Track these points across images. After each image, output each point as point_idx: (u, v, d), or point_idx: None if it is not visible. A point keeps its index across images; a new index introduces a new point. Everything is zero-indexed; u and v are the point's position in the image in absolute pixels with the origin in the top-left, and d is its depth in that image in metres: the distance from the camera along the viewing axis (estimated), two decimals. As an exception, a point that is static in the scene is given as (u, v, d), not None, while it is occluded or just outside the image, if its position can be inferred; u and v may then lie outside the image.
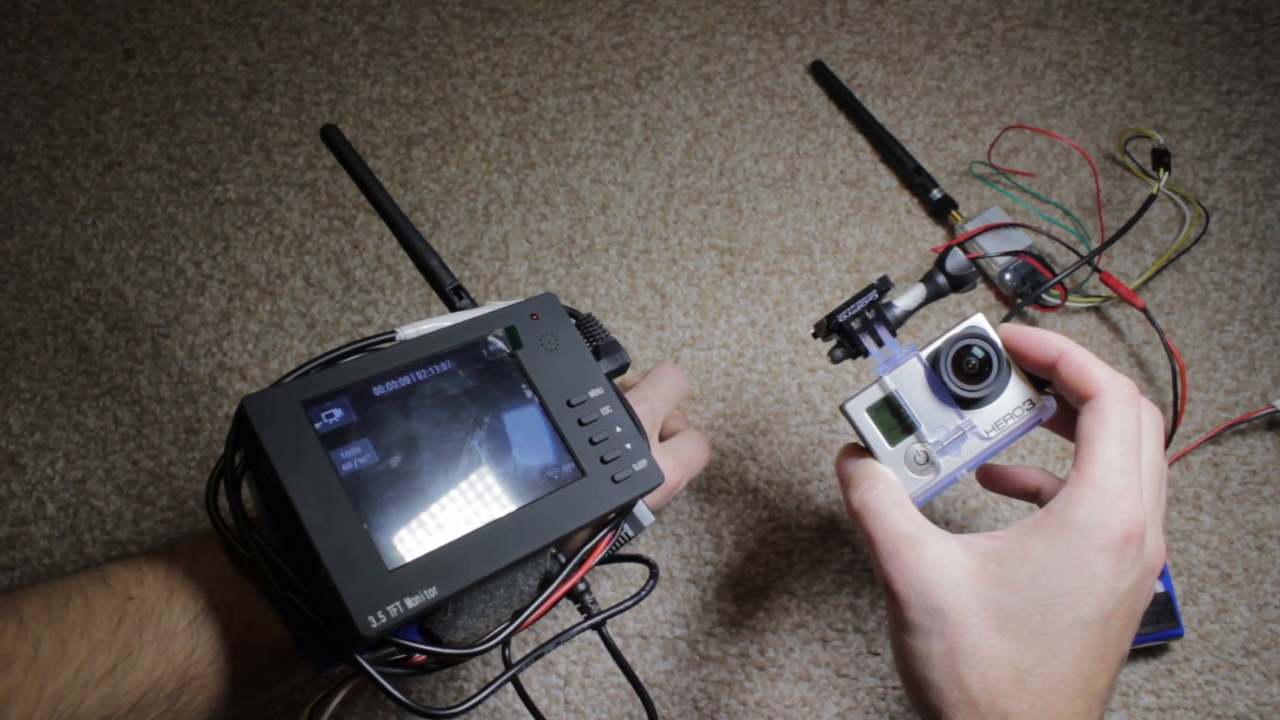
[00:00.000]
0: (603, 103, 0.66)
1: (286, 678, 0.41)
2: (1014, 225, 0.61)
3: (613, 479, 0.41)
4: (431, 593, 0.35)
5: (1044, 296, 0.60)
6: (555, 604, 0.41)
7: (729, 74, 0.67)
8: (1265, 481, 0.57)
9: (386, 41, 0.68)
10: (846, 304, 0.44)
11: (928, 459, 0.43)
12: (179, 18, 0.69)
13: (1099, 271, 0.60)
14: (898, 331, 0.45)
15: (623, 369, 0.45)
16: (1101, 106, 0.66)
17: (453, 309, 0.45)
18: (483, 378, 0.41)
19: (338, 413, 0.38)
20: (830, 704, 0.54)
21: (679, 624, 0.55)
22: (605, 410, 0.42)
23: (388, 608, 0.34)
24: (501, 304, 0.44)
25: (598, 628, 0.42)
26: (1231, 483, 0.58)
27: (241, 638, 0.38)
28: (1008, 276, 0.60)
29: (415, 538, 0.36)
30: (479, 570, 0.37)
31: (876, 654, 0.54)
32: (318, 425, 0.37)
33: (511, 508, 0.39)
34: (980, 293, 0.62)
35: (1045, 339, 0.42)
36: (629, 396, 0.46)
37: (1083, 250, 0.60)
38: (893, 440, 0.43)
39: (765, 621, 0.55)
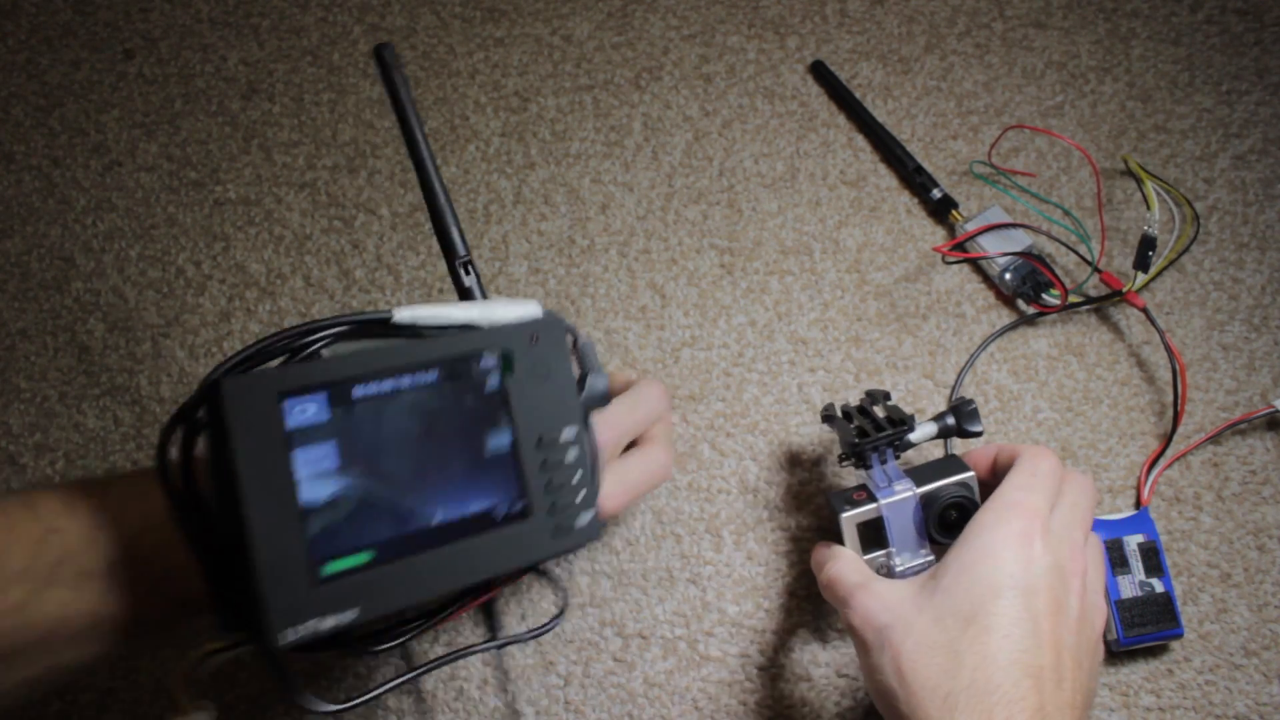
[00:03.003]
0: (603, 103, 0.66)
1: (190, 623, 0.41)
2: (1014, 225, 0.61)
3: (554, 529, 0.41)
4: (351, 615, 0.35)
5: (1044, 297, 0.60)
6: (463, 614, 0.42)
7: (729, 74, 0.67)
8: (1265, 481, 0.57)
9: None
10: (875, 440, 0.50)
11: (888, 572, 0.49)
12: (179, 18, 0.69)
13: (1099, 272, 0.60)
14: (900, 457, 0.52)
15: (603, 403, 0.45)
16: (1101, 106, 0.66)
17: (460, 286, 0.44)
18: (465, 398, 0.40)
19: (311, 409, 0.36)
20: (830, 704, 0.54)
21: (679, 624, 0.55)
22: (571, 454, 0.42)
23: (305, 624, 0.34)
24: (507, 303, 0.43)
25: (499, 648, 0.43)
26: (1231, 483, 0.58)
27: (157, 586, 0.38)
28: (1008, 276, 0.60)
29: (351, 555, 0.36)
30: (403, 599, 0.37)
31: (876, 654, 0.54)
32: (288, 420, 0.36)
33: (452, 541, 0.38)
34: (980, 293, 0.62)
35: (984, 449, 0.51)
36: (603, 415, 0.46)
37: (1083, 250, 0.60)
38: (865, 550, 0.50)
39: (765, 621, 0.55)
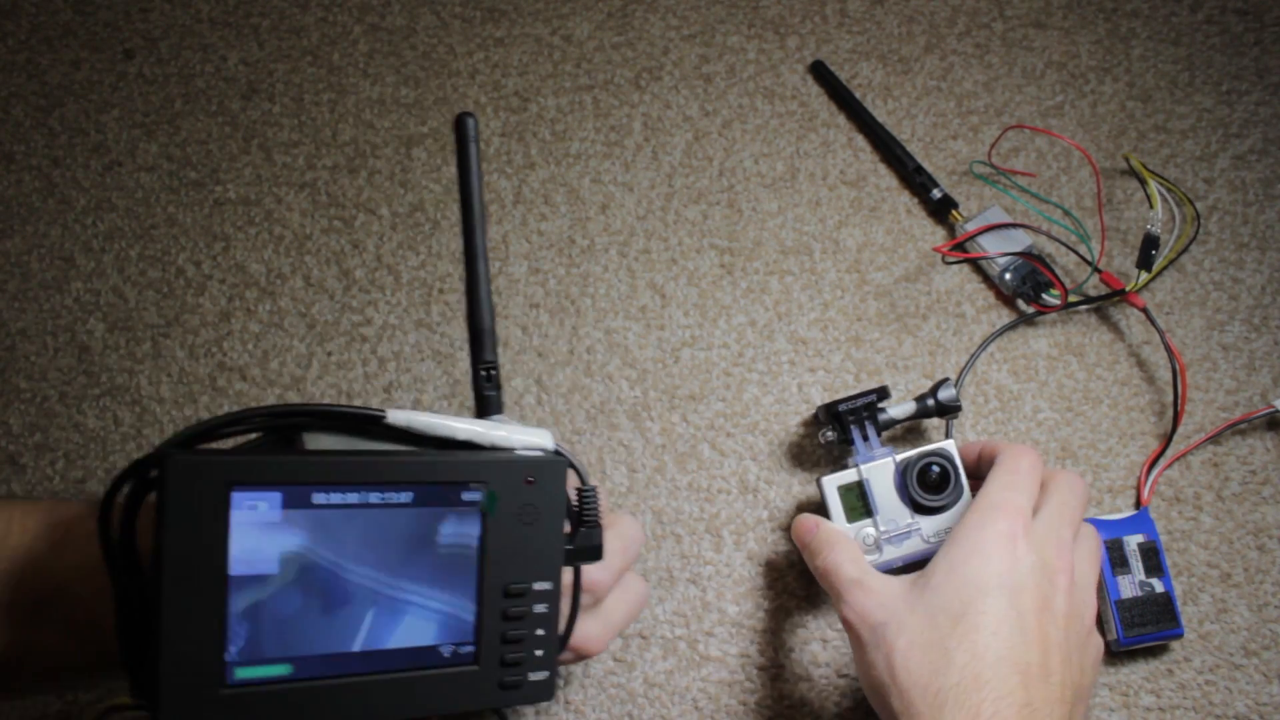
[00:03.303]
0: (603, 103, 0.66)
1: (107, 678, 0.40)
2: (1014, 225, 0.61)
3: (501, 683, 0.38)
4: None
5: (1044, 297, 0.60)
6: None
7: (729, 74, 0.67)
8: (1265, 481, 0.57)
9: (386, 41, 0.68)
10: (849, 398, 0.53)
11: (875, 543, 0.52)
12: (179, 18, 0.69)
13: (1099, 271, 0.60)
14: (883, 434, 0.54)
15: (593, 560, 0.42)
16: (1101, 106, 0.66)
17: (478, 394, 0.42)
18: (436, 529, 0.37)
19: (262, 506, 0.34)
20: (830, 704, 0.54)
21: (679, 624, 0.55)
22: (538, 609, 0.39)
23: None
24: (517, 430, 0.39)
25: None
26: (1231, 483, 0.58)
27: (76, 636, 0.36)
28: (1008, 276, 0.60)
29: (268, 665, 0.34)
30: None
31: (876, 654, 0.54)
32: (234, 514, 0.33)
33: (382, 668, 0.36)
34: (980, 293, 0.62)
35: (972, 444, 0.53)
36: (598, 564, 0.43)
37: (1083, 250, 0.60)
38: (851, 519, 0.52)
39: (765, 621, 0.55)
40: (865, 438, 0.54)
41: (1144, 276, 0.59)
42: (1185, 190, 0.63)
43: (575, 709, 0.54)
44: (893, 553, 0.52)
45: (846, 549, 0.49)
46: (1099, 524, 0.55)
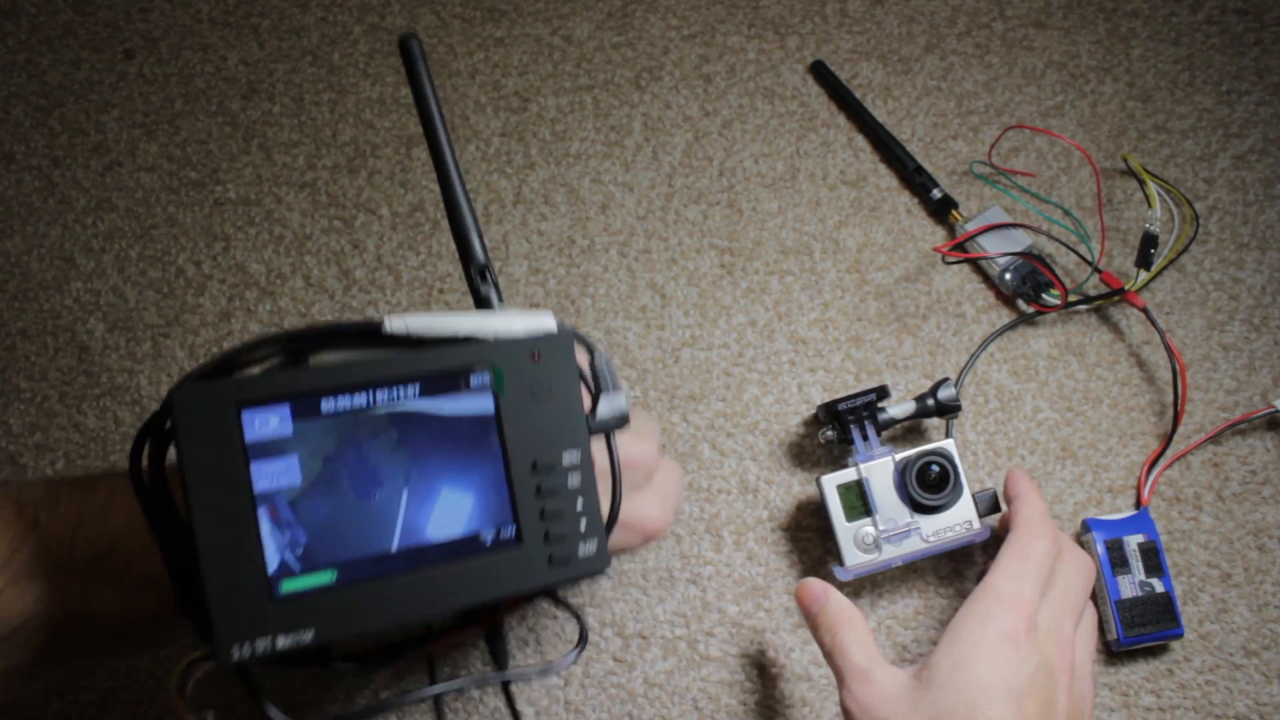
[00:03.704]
0: (603, 103, 0.66)
1: (175, 636, 0.40)
2: (1014, 225, 0.61)
3: (550, 558, 0.38)
4: (308, 636, 0.34)
5: (1044, 297, 0.60)
6: (461, 642, 0.39)
7: (729, 74, 0.67)
8: (1265, 481, 0.57)
9: (386, 41, 0.68)
10: (849, 397, 0.54)
11: (874, 542, 0.52)
12: (179, 18, 0.69)
13: (1099, 271, 0.60)
14: (883, 433, 0.55)
15: (619, 424, 0.41)
16: (1101, 106, 0.66)
17: (476, 294, 0.42)
18: (450, 417, 0.37)
19: (273, 421, 0.34)
20: (830, 704, 0.54)
21: (679, 624, 0.55)
22: (572, 481, 0.38)
23: (256, 642, 0.33)
24: (517, 315, 0.40)
25: (505, 685, 0.41)
26: (1231, 483, 0.58)
27: (134, 590, 0.37)
28: (1008, 276, 0.60)
29: (312, 574, 0.34)
30: (368, 624, 0.35)
31: (876, 654, 0.54)
32: (247, 433, 0.34)
33: (427, 563, 0.36)
34: (980, 293, 0.62)
35: (1014, 481, 0.52)
36: (634, 434, 0.43)
37: (1083, 250, 0.60)
38: (850, 518, 0.52)
39: (765, 621, 0.55)
40: (865, 437, 0.54)
41: (1144, 276, 0.59)
42: (1185, 190, 0.63)
43: (575, 709, 0.54)
44: (892, 552, 0.52)
45: (856, 630, 0.47)
46: (1099, 524, 0.55)
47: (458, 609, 0.36)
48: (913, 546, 0.52)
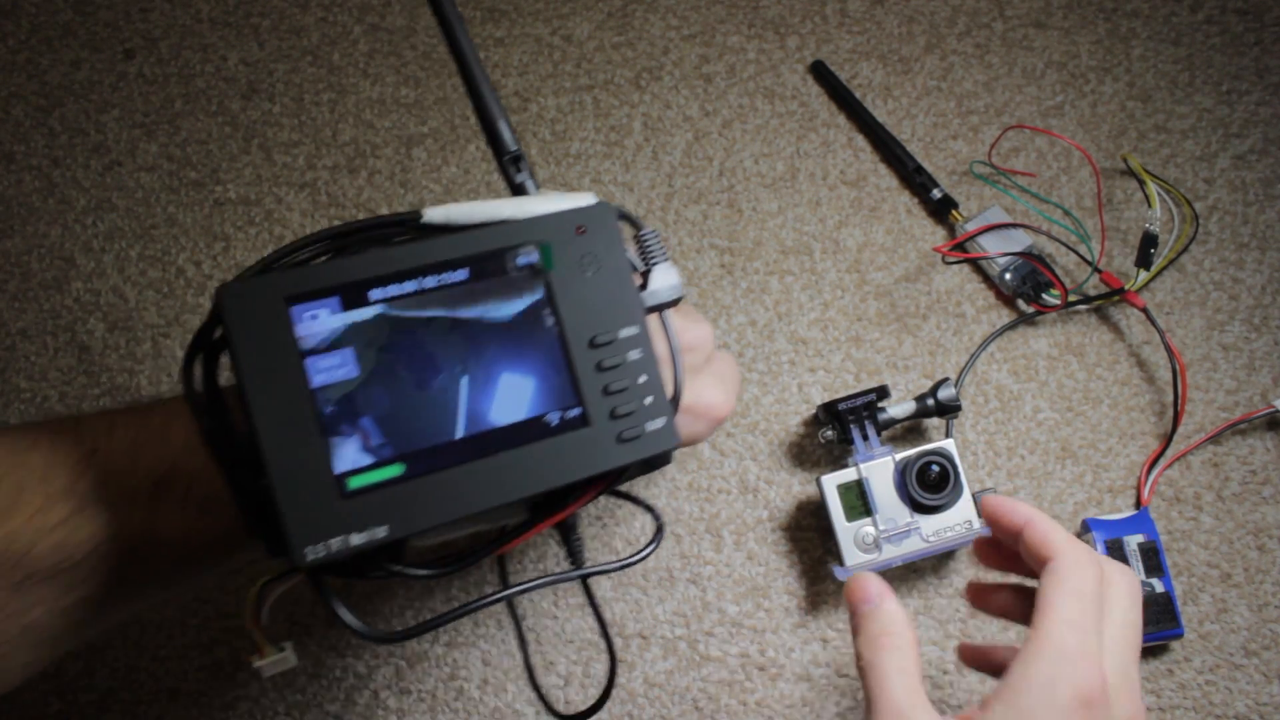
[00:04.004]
0: (603, 103, 0.66)
1: (241, 556, 0.39)
2: (1014, 225, 0.61)
3: (619, 436, 0.36)
4: (381, 531, 0.33)
5: (1044, 297, 0.60)
6: (537, 534, 0.38)
7: (729, 74, 0.67)
8: (1265, 481, 0.57)
9: (386, 41, 0.68)
10: (849, 397, 0.54)
11: (874, 542, 0.52)
12: (179, 18, 0.69)
13: (1099, 271, 0.60)
14: (883, 433, 0.55)
15: (673, 302, 0.40)
16: (1101, 106, 0.66)
17: (511, 183, 0.40)
18: (501, 296, 0.36)
19: (323, 314, 0.34)
20: (830, 704, 0.54)
21: (679, 624, 0.55)
22: (632, 355, 0.37)
23: (330, 540, 0.32)
24: (557, 198, 0.38)
25: (583, 580, 0.39)
26: (1231, 483, 0.58)
27: (199, 511, 0.36)
28: (1008, 276, 0.60)
29: (379, 468, 0.34)
30: (441, 514, 0.34)
31: (876, 654, 0.54)
32: (298, 327, 0.33)
33: (495, 451, 0.35)
34: (980, 293, 0.62)
35: (1015, 508, 0.43)
36: (685, 313, 0.41)
37: (1083, 250, 0.60)
38: (850, 518, 0.52)
39: (765, 621, 0.55)
40: (865, 437, 0.54)
41: (1144, 276, 0.59)
42: (1185, 190, 0.63)
43: (575, 709, 0.54)
44: (893, 552, 0.52)
45: (903, 655, 0.39)
46: (1099, 524, 0.55)
47: (530, 495, 0.35)
48: (913, 546, 0.52)
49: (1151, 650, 0.54)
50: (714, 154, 0.65)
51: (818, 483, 0.53)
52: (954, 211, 0.62)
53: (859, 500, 0.53)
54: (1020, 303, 0.61)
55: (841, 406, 0.54)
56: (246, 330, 0.33)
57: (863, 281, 0.62)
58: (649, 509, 0.42)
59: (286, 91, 0.67)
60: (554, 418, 0.36)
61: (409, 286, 0.35)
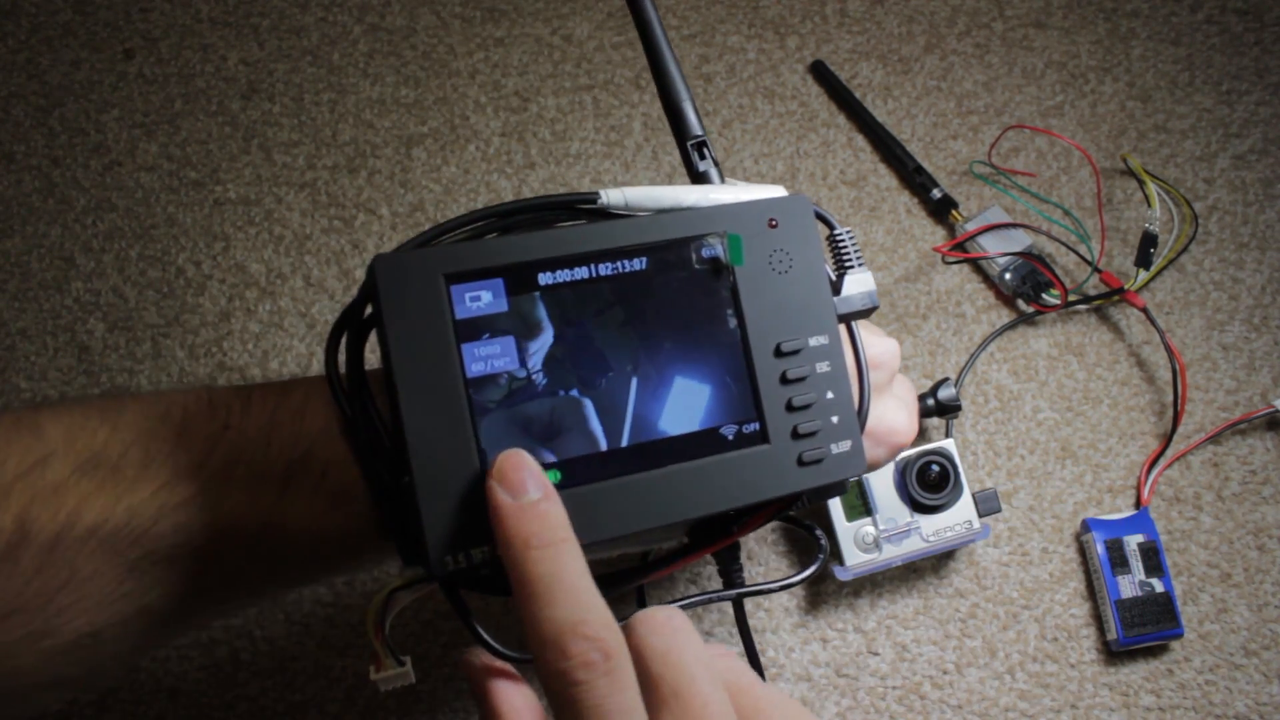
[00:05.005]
0: (603, 103, 0.66)
1: (371, 558, 0.36)
2: (1014, 225, 0.61)
3: (799, 459, 0.33)
4: None
5: (1044, 297, 0.60)
6: (695, 562, 0.35)
7: (729, 74, 0.67)
8: (1265, 481, 0.57)
9: (386, 41, 0.68)
10: None
11: (874, 542, 0.52)
12: (179, 18, 0.69)
13: (1099, 271, 0.60)
14: None
15: (867, 312, 0.36)
16: (1101, 106, 0.66)
17: (692, 171, 0.37)
18: (681, 291, 0.32)
19: (486, 296, 0.30)
20: (830, 704, 0.54)
21: (679, 624, 0.55)
22: (821, 367, 0.33)
23: (471, 551, 0.29)
24: (744, 188, 0.35)
25: (737, 603, 0.36)
26: (1231, 483, 0.58)
27: (330, 503, 0.33)
28: (1008, 276, 0.60)
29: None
30: (599, 531, 0.30)
31: (876, 654, 0.54)
32: (457, 309, 0.30)
33: (662, 463, 0.31)
34: (980, 292, 0.62)
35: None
36: (868, 331, 0.37)
37: (1083, 250, 0.60)
38: (850, 517, 0.52)
39: (765, 621, 0.55)
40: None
41: (1143, 276, 0.59)
42: (1185, 190, 0.63)
43: (575, 709, 0.54)
44: (892, 551, 0.52)
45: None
46: (1099, 524, 0.55)
47: (696, 517, 0.31)
48: (913, 546, 0.52)
49: (1151, 650, 0.54)
50: (714, 154, 0.65)
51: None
52: (954, 211, 0.62)
53: (859, 500, 0.53)
54: (1020, 303, 0.61)
55: None
56: (400, 308, 0.30)
57: (863, 281, 0.62)
58: (810, 531, 0.38)
59: (286, 91, 0.67)
60: (729, 431, 0.32)
61: (581, 273, 0.32)
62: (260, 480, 0.32)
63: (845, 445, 0.33)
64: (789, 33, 0.68)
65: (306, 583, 0.36)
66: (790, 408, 0.33)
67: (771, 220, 0.34)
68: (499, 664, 0.32)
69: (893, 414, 0.38)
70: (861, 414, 0.35)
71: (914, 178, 0.63)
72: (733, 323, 0.33)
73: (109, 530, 0.30)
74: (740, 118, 0.66)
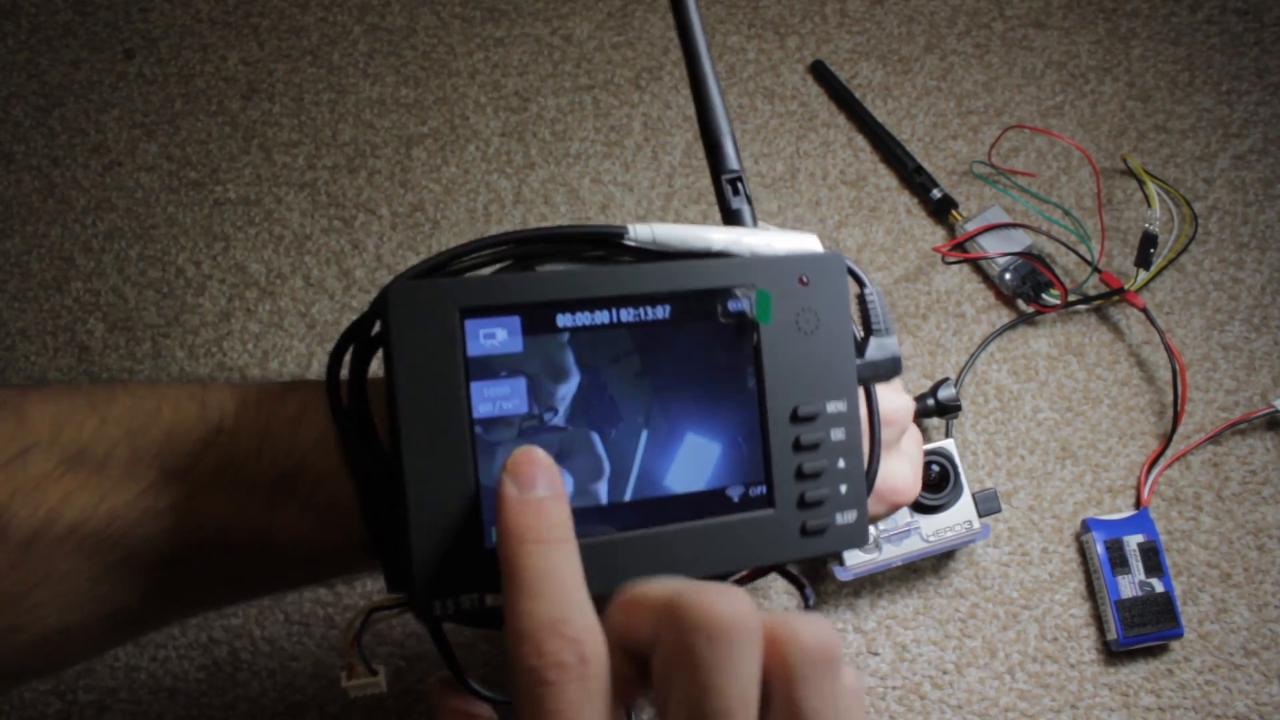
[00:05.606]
0: (603, 103, 0.66)
1: (358, 570, 0.35)
2: (1014, 225, 0.61)
3: (803, 527, 0.32)
4: None
5: (1044, 297, 0.60)
6: None
7: (729, 74, 0.67)
8: (1265, 481, 0.57)
9: (386, 41, 0.68)
10: None
11: (874, 542, 0.51)
12: (179, 18, 0.69)
13: (1099, 271, 0.60)
14: None
15: (889, 376, 0.35)
16: (1101, 106, 0.66)
17: (725, 207, 0.36)
18: (701, 344, 0.31)
19: (501, 334, 0.29)
20: (830, 704, 0.54)
21: (679, 624, 0.55)
22: (836, 434, 0.32)
23: (460, 598, 0.28)
24: (776, 234, 0.34)
25: None
26: (1231, 483, 0.57)
27: (319, 518, 0.32)
28: (1008, 276, 0.60)
29: None
30: (592, 585, 0.28)
31: (876, 654, 0.54)
32: (470, 345, 0.29)
33: (663, 520, 0.31)
34: (980, 292, 0.62)
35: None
36: (884, 393, 0.36)
37: (1083, 250, 0.60)
38: None
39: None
40: None
41: (1143, 276, 0.59)
42: (1185, 190, 0.63)
43: (575, 709, 0.54)
44: (893, 551, 0.52)
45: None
46: (1099, 524, 0.55)
47: (695, 578, 0.30)
48: (913, 546, 0.52)
49: (1151, 650, 0.54)
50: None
51: None
52: (954, 211, 0.62)
53: None
54: (1020, 303, 0.61)
55: None
56: (411, 337, 0.28)
57: (863, 281, 0.62)
58: (800, 586, 0.37)
59: (286, 91, 0.67)
60: (735, 493, 0.32)
61: (602, 317, 0.30)
62: (249, 489, 0.31)
63: (850, 516, 0.33)
64: (789, 33, 0.68)
65: (293, 590, 0.35)
66: (800, 474, 0.32)
67: (803, 278, 0.32)
68: (472, 707, 0.31)
69: (898, 472, 0.37)
70: (870, 475, 0.34)
71: (914, 178, 0.63)
72: (751, 382, 0.32)
73: (89, 530, 0.29)
74: (740, 118, 0.66)
